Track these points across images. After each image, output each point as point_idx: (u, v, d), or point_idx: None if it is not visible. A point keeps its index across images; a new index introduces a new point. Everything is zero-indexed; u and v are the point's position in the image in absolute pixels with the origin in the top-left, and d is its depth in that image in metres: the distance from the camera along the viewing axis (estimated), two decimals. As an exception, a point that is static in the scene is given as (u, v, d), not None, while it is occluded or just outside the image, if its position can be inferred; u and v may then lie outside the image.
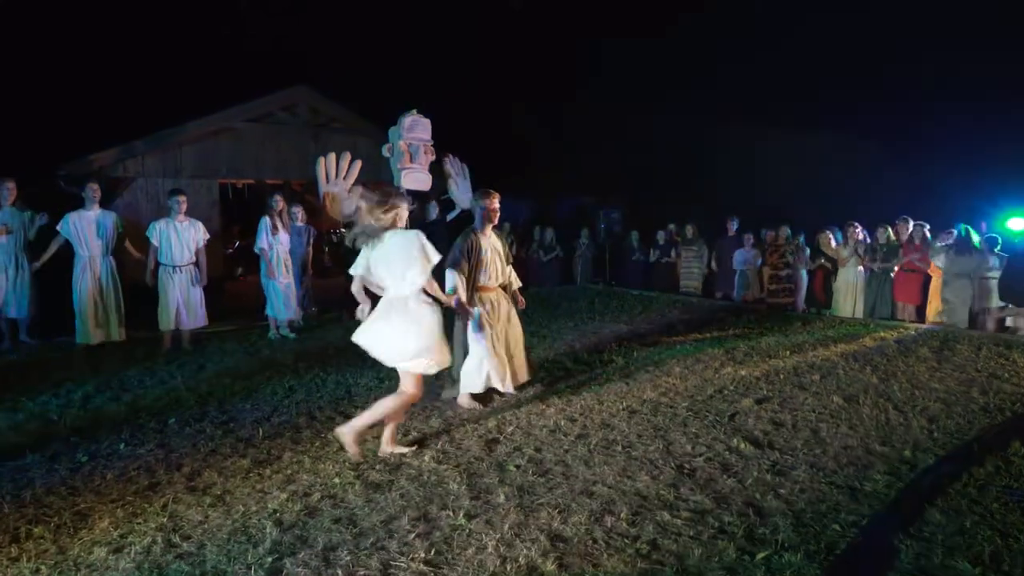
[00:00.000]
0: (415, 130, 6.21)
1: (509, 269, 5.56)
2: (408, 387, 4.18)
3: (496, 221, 5.38)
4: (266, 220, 7.91)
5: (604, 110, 19.13)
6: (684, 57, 18.74)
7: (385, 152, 6.26)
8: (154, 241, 7.31)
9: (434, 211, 10.24)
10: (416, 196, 9.99)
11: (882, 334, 7.41)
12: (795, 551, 2.92)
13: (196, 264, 7.53)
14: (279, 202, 8.01)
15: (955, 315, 8.14)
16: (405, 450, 4.20)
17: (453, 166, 6.16)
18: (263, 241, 7.86)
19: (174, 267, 7.35)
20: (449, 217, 10.47)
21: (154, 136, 12.57)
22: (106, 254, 7.52)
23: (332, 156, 5.19)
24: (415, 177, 6.23)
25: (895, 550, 2.94)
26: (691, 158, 16.83)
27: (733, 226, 11.46)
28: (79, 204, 7.56)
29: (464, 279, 5.14)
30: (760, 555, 2.91)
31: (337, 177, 5.70)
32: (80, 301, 7.35)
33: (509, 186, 7.15)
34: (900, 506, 3.36)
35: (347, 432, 4.08)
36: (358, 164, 4.90)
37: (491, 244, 5.36)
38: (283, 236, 7.96)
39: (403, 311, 4.02)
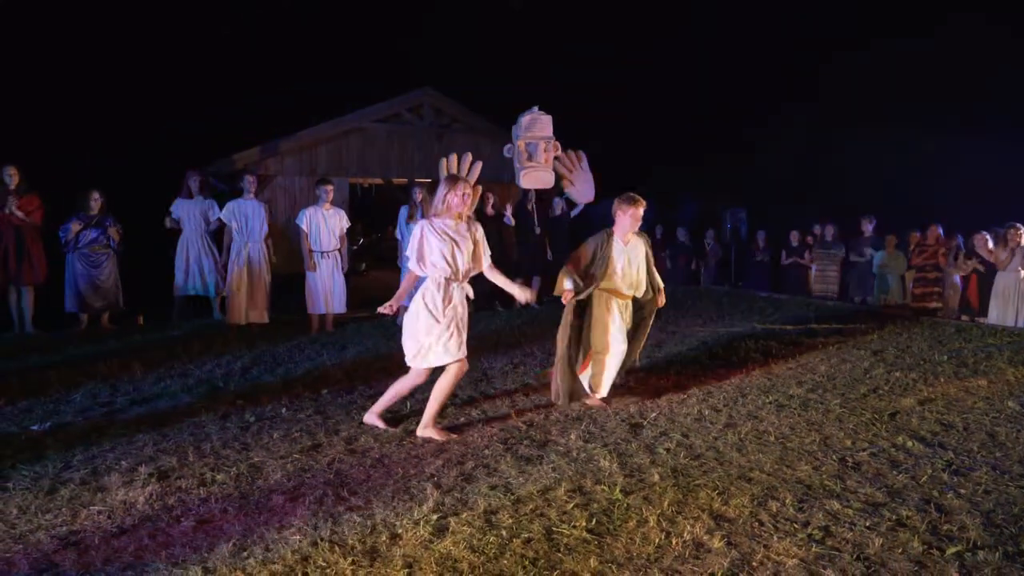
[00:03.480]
0: (533, 128, 6.18)
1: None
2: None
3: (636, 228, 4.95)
4: (404, 211, 8.17)
5: (726, 110, 18.65)
6: (810, 54, 17.94)
7: (506, 152, 6.29)
8: (304, 227, 7.70)
9: (558, 207, 10.31)
10: (540, 192, 10.14)
11: (1053, 343, 6.76)
12: (991, 550, 2.70)
13: (339, 250, 7.89)
14: (418, 193, 8.19)
15: None
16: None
17: (564, 164, 6.14)
18: (401, 230, 8.13)
19: (321, 252, 7.72)
20: (573, 213, 10.53)
21: (293, 136, 13.31)
22: (258, 240, 8.02)
23: (454, 156, 5.33)
24: (535, 176, 6.18)
25: (1110, 556, 2.65)
26: (820, 158, 16.05)
27: (870, 227, 10.79)
28: (231, 198, 8.16)
29: (576, 278, 4.77)
30: (950, 551, 2.70)
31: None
32: (232, 283, 7.90)
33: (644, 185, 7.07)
34: (1107, 513, 3.03)
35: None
36: (479, 164, 5.00)
37: (629, 250, 4.88)
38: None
39: None
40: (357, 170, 14.19)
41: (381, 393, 5.05)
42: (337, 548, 2.76)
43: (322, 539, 2.83)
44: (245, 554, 2.73)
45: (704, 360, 6.22)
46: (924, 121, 15.01)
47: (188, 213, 8.45)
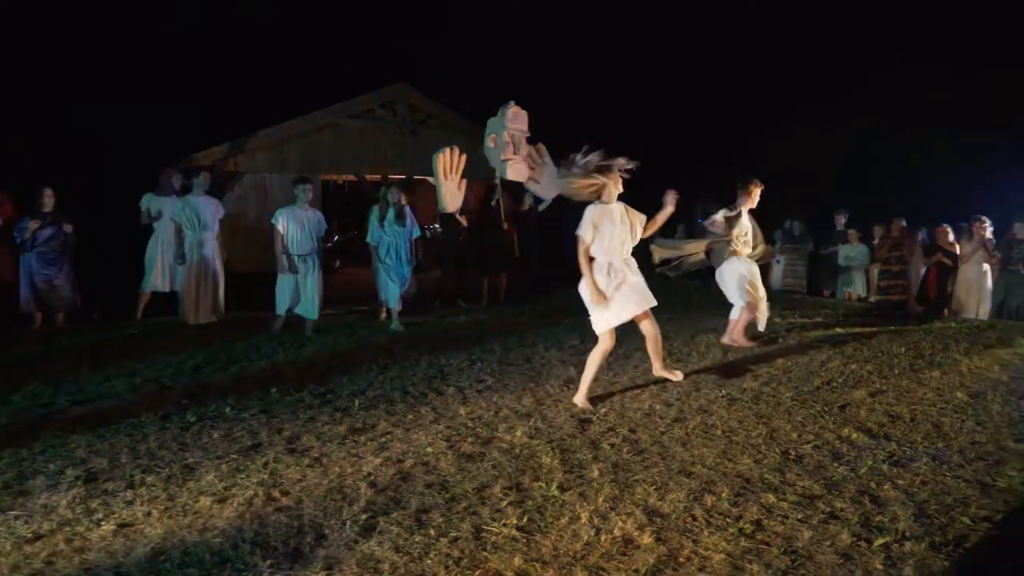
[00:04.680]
0: (517, 121, 6.16)
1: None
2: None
3: None
4: (376, 211, 7.89)
5: (703, 108, 18.67)
6: (800, 53, 18.00)
7: (489, 143, 6.22)
8: (280, 228, 7.24)
9: (528, 202, 10.24)
10: (511, 187, 10.09)
11: (1011, 334, 6.81)
12: (918, 541, 2.68)
13: (317, 252, 7.50)
14: (397, 193, 8.01)
15: None
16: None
17: (529, 160, 6.11)
18: (375, 234, 7.83)
19: (298, 256, 7.27)
20: (540, 208, 10.46)
21: (263, 132, 13.13)
22: (211, 238, 7.89)
23: (448, 150, 5.29)
24: (519, 168, 6.16)
25: (1036, 546, 2.65)
26: (796, 153, 16.11)
27: (842, 220, 10.84)
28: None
29: None
30: (878, 542, 2.68)
31: (452, 172, 5.81)
32: (183, 282, 7.77)
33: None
34: (1040, 503, 3.03)
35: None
36: (464, 157, 5.05)
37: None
38: (397, 227, 7.88)
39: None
40: (330, 166, 14.04)
41: (332, 391, 5.02)
42: (258, 550, 2.70)
43: (244, 541, 2.76)
44: (162, 558, 2.66)
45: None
46: (889, 115, 15.11)
47: (166, 212, 8.18)
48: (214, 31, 17.59)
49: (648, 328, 4.92)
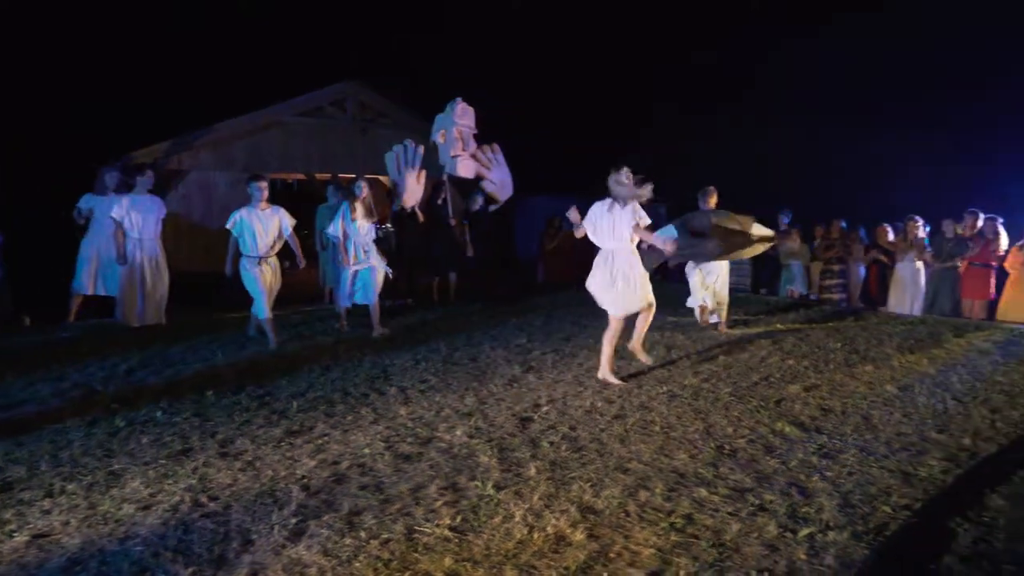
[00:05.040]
0: (465, 117, 6.14)
1: None
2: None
3: None
4: (346, 206, 7.60)
5: (648, 107, 18.90)
6: (734, 53, 18.37)
7: (438, 139, 6.17)
8: (235, 231, 6.74)
9: (478, 201, 10.19)
10: (462, 186, 10.06)
11: (941, 329, 7.06)
12: (841, 530, 2.75)
13: (281, 252, 7.08)
14: (364, 189, 7.77)
15: None
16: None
17: (481, 159, 6.11)
18: (338, 228, 7.40)
19: (259, 258, 6.72)
20: (492, 208, 10.44)
21: (207, 129, 12.83)
22: (153, 239, 7.66)
23: (403, 145, 5.25)
24: (468, 164, 6.15)
25: (952, 533, 2.73)
26: (740, 154, 16.44)
27: (785, 220, 11.09)
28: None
29: None
30: (803, 532, 2.74)
31: (407, 166, 5.75)
32: (123, 284, 7.53)
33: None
34: (958, 491, 3.13)
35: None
36: (421, 149, 5.08)
37: None
38: (363, 224, 7.61)
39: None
40: (278, 165, 13.78)
41: (271, 393, 4.91)
42: (181, 558, 2.62)
43: (166, 549, 2.68)
44: (79, 568, 2.56)
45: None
46: (828, 114, 15.54)
47: (102, 211, 7.83)
48: (157, 25, 17.11)
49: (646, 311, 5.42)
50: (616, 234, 5.14)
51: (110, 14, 16.52)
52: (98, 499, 3.15)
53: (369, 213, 7.52)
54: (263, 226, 6.76)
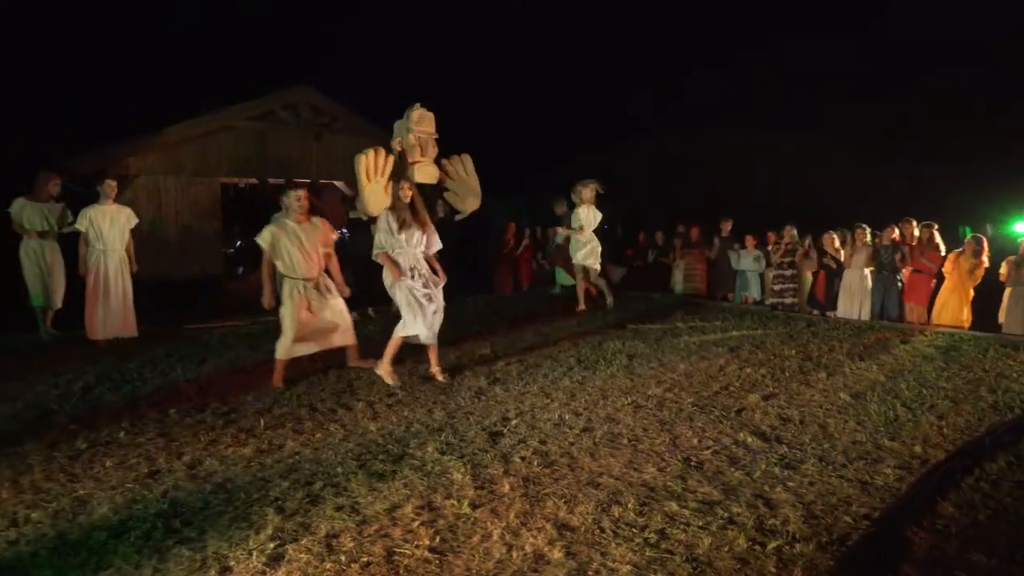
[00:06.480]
0: (423, 123, 6.17)
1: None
2: None
3: None
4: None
5: (597, 112, 19.15)
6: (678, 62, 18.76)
7: (395, 146, 6.19)
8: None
9: (441, 210, 10.16)
10: (424, 194, 10.02)
11: (887, 335, 7.37)
12: (807, 542, 2.87)
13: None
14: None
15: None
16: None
17: (448, 170, 6.19)
18: None
19: (303, 280, 5.74)
20: (458, 217, 10.44)
21: (157, 133, 12.53)
22: (118, 249, 7.46)
23: (372, 152, 5.22)
24: (426, 171, 6.18)
25: (909, 542, 2.89)
26: (687, 161, 16.83)
27: (728, 227, 11.48)
28: (88, 201, 7.53)
29: None
30: (771, 545, 2.86)
31: (377, 174, 5.73)
32: (88, 297, 7.31)
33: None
34: (912, 499, 3.30)
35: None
36: (391, 159, 5.08)
37: None
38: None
39: None
40: (229, 170, 13.54)
41: (236, 410, 4.85)
42: (158, 588, 2.59)
43: (142, 579, 2.64)
44: (51, 603, 2.50)
45: (572, 363, 6.32)
46: (780, 125, 16.03)
47: (40, 218, 7.59)
48: (104, 27, 16.60)
49: None
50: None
51: (56, 15, 15.97)
52: (66, 527, 3.08)
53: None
54: (303, 241, 5.65)
